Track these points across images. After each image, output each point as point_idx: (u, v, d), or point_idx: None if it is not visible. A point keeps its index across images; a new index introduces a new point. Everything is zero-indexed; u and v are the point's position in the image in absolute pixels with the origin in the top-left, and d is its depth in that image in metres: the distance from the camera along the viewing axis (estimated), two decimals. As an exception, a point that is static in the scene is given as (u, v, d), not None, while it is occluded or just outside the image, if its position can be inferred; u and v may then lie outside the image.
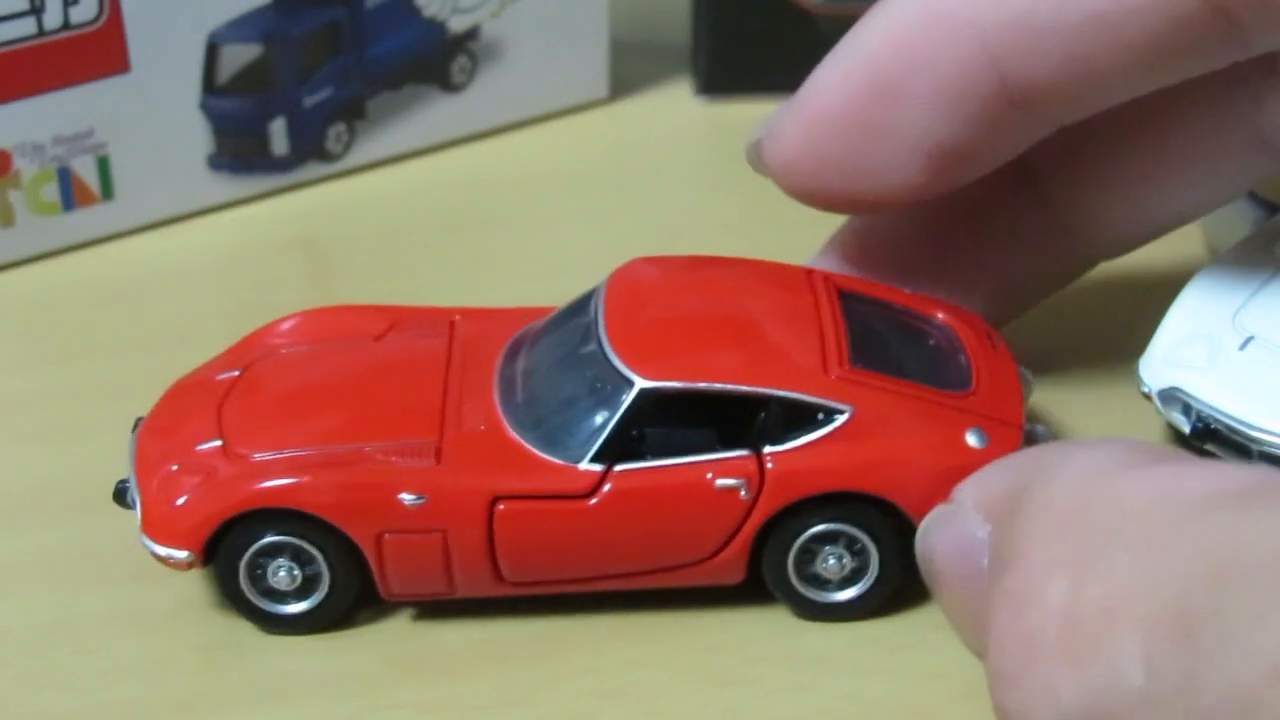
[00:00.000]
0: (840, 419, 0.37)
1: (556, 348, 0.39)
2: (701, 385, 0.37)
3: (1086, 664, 0.28)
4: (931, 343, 0.40)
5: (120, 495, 0.38)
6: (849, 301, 0.40)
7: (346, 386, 0.39)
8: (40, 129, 0.49)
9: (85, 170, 0.50)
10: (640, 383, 0.37)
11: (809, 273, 0.41)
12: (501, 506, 0.37)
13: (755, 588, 0.38)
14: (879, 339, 0.39)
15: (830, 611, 0.38)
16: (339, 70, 0.53)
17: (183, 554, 0.37)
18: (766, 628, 0.38)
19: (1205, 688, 0.27)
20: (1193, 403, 0.39)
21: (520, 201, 0.54)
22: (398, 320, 0.42)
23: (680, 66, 0.59)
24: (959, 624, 0.35)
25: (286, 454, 0.37)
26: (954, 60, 0.37)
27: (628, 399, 0.37)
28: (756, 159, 0.41)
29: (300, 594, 0.38)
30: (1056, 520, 0.30)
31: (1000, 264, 0.42)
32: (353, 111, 0.54)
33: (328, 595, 0.38)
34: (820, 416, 0.37)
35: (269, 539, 0.37)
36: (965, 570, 0.33)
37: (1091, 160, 0.41)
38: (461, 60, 0.55)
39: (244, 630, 0.38)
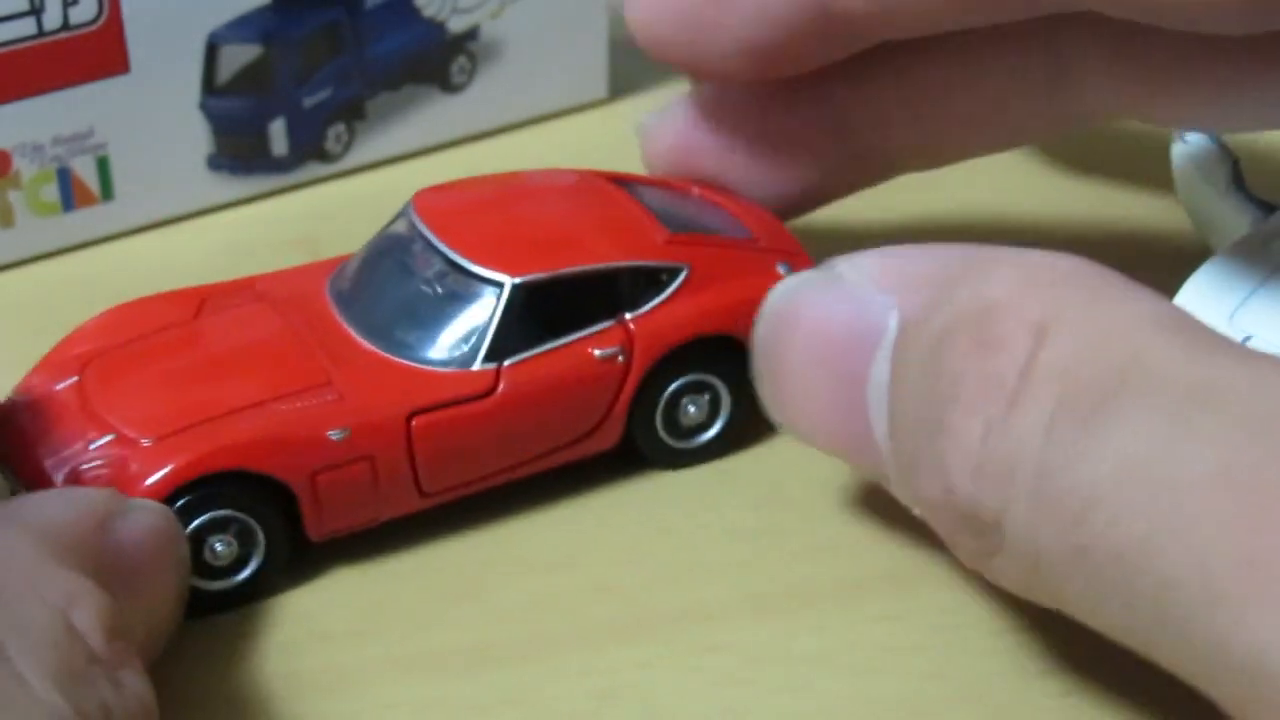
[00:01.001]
0: (681, 276, 0.41)
1: (394, 280, 0.41)
2: (564, 271, 0.40)
3: (1021, 413, 0.31)
4: (703, 205, 0.44)
5: None
6: (626, 186, 0.44)
7: (212, 358, 0.40)
8: (40, 129, 0.49)
9: (85, 170, 0.50)
10: (509, 280, 0.40)
11: (580, 171, 0.45)
12: (415, 422, 0.39)
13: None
14: (670, 209, 0.43)
15: (695, 456, 0.42)
16: (339, 70, 0.53)
17: None
18: (766, 628, 0.38)
19: (1072, 469, 0.30)
20: (1191, 402, 0.39)
21: (520, 201, 0.54)
22: (205, 298, 0.42)
23: (680, 66, 0.59)
24: (812, 382, 0.37)
25: (196, 425, 0.38)
26: None
27: (503, 297, 0.40)
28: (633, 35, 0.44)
29: (238, 566, 0.38)
30: (1021, 287, 0.32)
31: (823, 147, 0.45)
32: (352, 112, 0.54)
33: (265, 556, 0.38)
34: (664, 278, 0.41)
35: (209, 515, 0.37)
36: (853, 330, 0.35)
37: (885, 68, 0.44)
38: (461, 60, 0.55)
39: (240, 632, 0.38)
